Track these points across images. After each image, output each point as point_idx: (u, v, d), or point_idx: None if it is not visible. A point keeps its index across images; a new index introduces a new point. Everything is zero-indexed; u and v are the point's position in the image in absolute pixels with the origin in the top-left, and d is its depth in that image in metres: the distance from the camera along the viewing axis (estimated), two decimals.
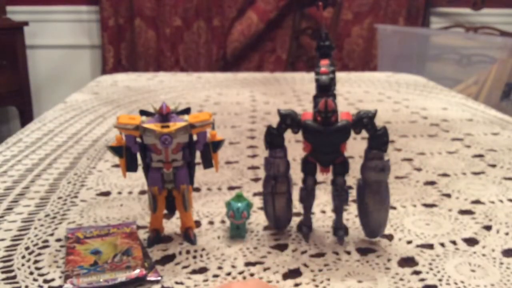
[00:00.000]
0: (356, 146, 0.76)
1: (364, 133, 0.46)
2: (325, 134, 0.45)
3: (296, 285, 0.42)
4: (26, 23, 2.35)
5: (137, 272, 0.42)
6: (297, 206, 0.54)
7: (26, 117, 2.34)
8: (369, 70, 2.59)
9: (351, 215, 0.56)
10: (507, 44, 1.88)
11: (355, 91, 1.32)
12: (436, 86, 1.40)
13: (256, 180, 0.68)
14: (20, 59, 2.31)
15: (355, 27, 2.66)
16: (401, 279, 0.43)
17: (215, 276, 0.44)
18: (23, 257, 0.47)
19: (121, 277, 0.42)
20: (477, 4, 2.44)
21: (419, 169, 0.73)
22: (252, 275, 0.44)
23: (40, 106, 2.58)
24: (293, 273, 0.44)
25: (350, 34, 2.67)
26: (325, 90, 0.46)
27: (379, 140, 0.46)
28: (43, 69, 2.64)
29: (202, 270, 0.45)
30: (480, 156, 0.79)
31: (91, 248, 0.47)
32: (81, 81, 2.07)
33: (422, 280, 0.43)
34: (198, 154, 0.48)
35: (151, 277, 0.43)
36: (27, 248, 0.48)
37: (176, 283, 0.42)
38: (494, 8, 2.60)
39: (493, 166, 0.74)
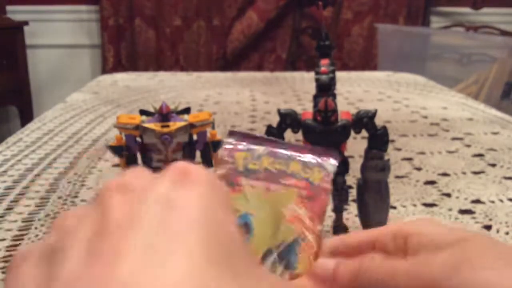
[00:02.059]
0: (356, 146, 0.76)
1: (364, 133, 0.46)
2: (325, 134, 0.45)
3: None
4: (26, 23, 2.35)
5: None
6: None
7: (26, 117, 2.34)
8: (369, 70, 2.59)
9: (351, 215, 0.56)
10: (507, 43, 1.88)
11: (355, 90, 1.32)
12: (436, 85, 1.40)
13: None
14: (20, 59, 2.31)
15: (355, 26, 2.66)
16: None
17: None
18: None
19: None
20: (477, 4, 2.44)
21: (419, 169, 0.73)
22: None
23: (40, 106, 2.58)
24: None
25: (350, 33, 2.67)
26: (325, 89, 0.46)
27: (379, 139, 0.46)
28: (43, 69, 2.64)
29: None
30: (480, 155, 0.79)
31: None
32: (81, 81, 2.07)
33: None
34: (198, 153, 0.48)
35: None
36: None
37: None
38: (494, 7, 2.60)
39: (493, 165, 0.74)
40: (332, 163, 0.30)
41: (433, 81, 1.47)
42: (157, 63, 2.60)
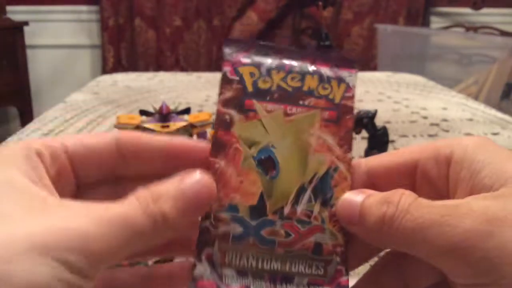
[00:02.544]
0: (356, 146, 0.76)
1: (364, 133, 0.46)
2: None
3: None
4: (26, 23, 2.35)
5: None
6: None
7: (26, 117, 2.34)
8: (369, 70, 2.59)
9: None
10: (507, 44, 1.88)
11: (355, 90, 1.32)
12: (436, 86, 1.40)
13: None
14: (20, 59, 2.31)
15: (355, 26, 2.66)
16: None
17: None
18: None
19: None
20: (477, 4, 2.44)
21: None
22: None
23: (40, 106, 2.58)
24: None
25: (350, 33, 2.67)
26: None
27: (379, 140, 0.46)
28: (43, 69, 2.64)
29: None
30: None
31: None
32: (81, 81, 2.07)
33: None
34: None
35: None
36: None
37: None
38: (494, 8, 2.60)
39: None
40: (351, 73, 0.26)
41: (433, 82, 1.47)
42: (157, 63, 2.60)
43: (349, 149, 0.25)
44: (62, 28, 2.61)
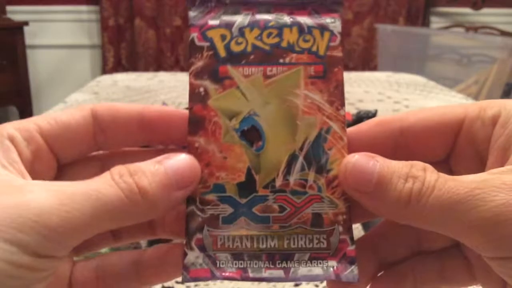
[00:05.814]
0: None
1: None
2: None
3: (296, 285, 0.42)
4: (26, 23, 2.35)
5: None
6: None
7: (26, 117, 2.32)
8: (369, 70, 2.59)
9: None
10: (507, 44, 1.88)
11: (355, 91, 1.32)
12: (436, 86, 1.41)
13: None
14: (20, 59, 2.31)
15: (355, 26, 2.66)
16: None
17: None
18: None
19: None
20: (477, 4, 2.44)
21: None
22: None
23: (40, 106, 2.59)
24: None
25: (350, 33, 2.67)
26: None
27: None
28: (43, 69, 2.64)
29: None
30: None
31: None
32: (81, 81, 2.07)
33: None
34: None
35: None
36: None
37: (177, 282, 0.42)
38: (494, 8, 2.60)
39: None
40: (335, 18, 0.23)
41: (433, 82, 1.47)
42: (157, 63, 2.60)
43: (341, 105, 0.23)
44: (62, 28, 2.61)
